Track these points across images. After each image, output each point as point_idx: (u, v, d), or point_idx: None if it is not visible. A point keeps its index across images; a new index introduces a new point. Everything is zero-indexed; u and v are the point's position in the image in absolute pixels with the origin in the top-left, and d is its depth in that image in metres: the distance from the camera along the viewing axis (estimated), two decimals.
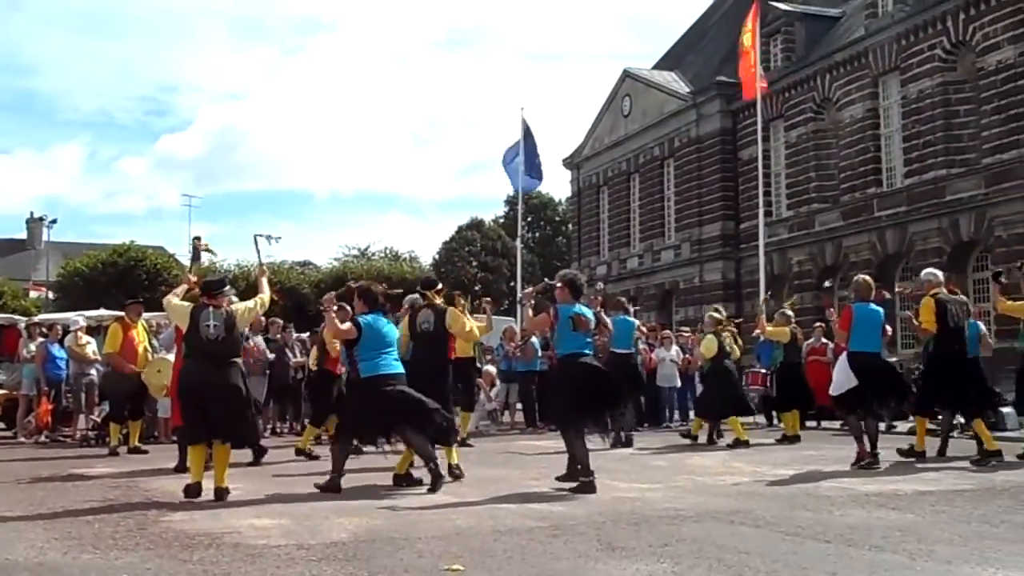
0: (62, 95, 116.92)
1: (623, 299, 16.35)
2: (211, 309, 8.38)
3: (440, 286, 9.96)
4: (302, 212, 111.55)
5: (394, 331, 9.14)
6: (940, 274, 11.53)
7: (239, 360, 8.66)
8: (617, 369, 13.90)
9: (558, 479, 8.76)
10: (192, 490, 8.11)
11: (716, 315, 14.66)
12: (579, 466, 8.57)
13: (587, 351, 8.88)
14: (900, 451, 11.26)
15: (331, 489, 8.47)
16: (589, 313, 8.98)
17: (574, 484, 8.51)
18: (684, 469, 10.57)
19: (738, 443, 13.42)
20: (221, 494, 8.15)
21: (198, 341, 8.37)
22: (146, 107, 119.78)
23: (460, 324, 9.58)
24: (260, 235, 9.67)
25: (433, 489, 8.37)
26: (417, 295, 11.25)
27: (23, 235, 61.96)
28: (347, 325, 8.85)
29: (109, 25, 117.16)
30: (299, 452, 11.97)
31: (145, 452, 12.56)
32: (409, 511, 7.48)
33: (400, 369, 8.95)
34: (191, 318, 8.37)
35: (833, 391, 10.97)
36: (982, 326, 11.53)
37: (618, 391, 9.19)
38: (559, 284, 9.05)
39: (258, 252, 9.73)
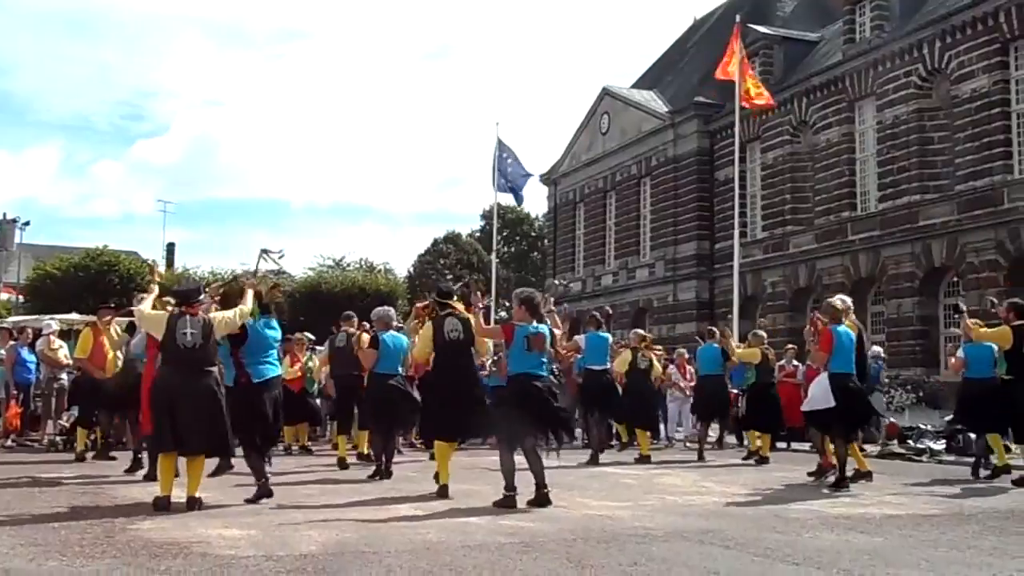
0: (38, 96, 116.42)
1: (597, 314, 16.34)
2: (188, 317, 8.33)
3: (456, 296, 10.07)
4: (277, 221, 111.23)
5: (277, 334, 9.35)
6: (849, 300, 11.70)
7: (214, 368, 8.62)
8: (593, 386, 13.98)
9: (529, 503, 8.62)
10: (160, 503, 7.99)
11: (640, 332, 15.84)
12: (504, 481, 8.63)
13: (540, 371, 8.92)
14: (809, 473, 11.45)
15: (263, 496, 8.58)
16: (546, 331, 9.03)
17: (530, 499, 8.55)
18: (654, 488, 10.59)
19: (642, 458, 14.03)
20: (193, 504, 8.08)
21: (174, 349, 8.29)
22: (122, 111, 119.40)
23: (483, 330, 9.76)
24: (266, 250, 9.60)
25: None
26: (387, 309, 11.65)
27: None
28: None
29: (87, 28, 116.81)
30: (342, 464, 12.20)
31: (113, 459, 12.45)
32: (379, 524, 7.47)
33: (278, 372, 9.35)
34: (167, 326, 8.32)
35: (805, 407, 11.11)
36: (996, 348, 11.74)
37: (561, 417, 9.23)
38: (516, 303, 9.12)
39: (258, 265, 9.67)
